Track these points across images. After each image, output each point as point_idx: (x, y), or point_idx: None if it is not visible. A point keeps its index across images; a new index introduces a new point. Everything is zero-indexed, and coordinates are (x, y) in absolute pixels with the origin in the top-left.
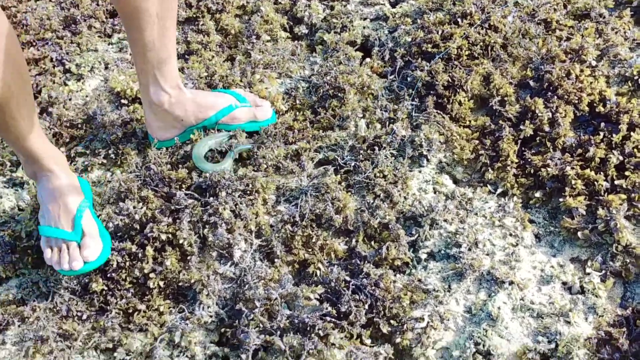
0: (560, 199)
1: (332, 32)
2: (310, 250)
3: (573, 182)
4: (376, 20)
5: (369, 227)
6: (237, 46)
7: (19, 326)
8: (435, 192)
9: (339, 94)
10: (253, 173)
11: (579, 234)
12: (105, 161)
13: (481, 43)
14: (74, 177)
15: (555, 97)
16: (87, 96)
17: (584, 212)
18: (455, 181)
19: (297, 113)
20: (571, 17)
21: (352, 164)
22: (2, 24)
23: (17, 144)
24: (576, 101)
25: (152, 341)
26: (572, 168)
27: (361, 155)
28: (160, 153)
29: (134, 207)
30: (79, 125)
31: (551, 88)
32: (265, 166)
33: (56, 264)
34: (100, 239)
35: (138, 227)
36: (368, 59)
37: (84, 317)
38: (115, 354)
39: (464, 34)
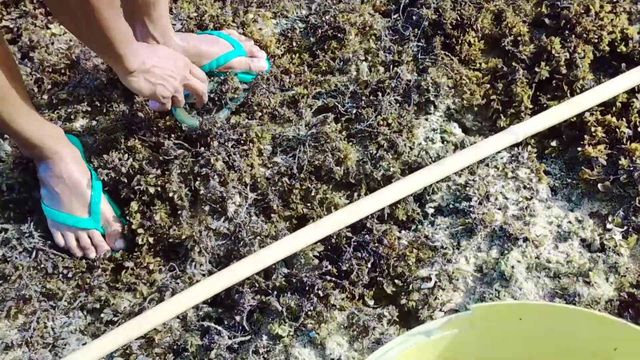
0: (579, 148)
1: None
2: (309, 204)
3: (592, 129)
4: None
5: (372, 179)
6: None
7: (0, 285)
8: (443, 142)
9: (339, 35)
10: (247, 121)
11: (599, 186)
12: (89, 109)
13: None
14: (78, 153)
15: (573, 35)
16: (70, 40)
17: (605, 163)
18: (465, 129)
19: (294, 56)
20: None
21: (354, 112)
22: None
23: (10, 129)
24: (596, 40)
25: (140, 301)
26: (592, 114)
27: (363, 102)
28: (148, 100)
29: (120, 160)
30: (62, 71)
31: (568, 26)
32: (260, 114)
33: (78, 253)
34: (120, 220)
35: (125, 181)
36: None
37: (69, 275)
38: (102, 315)
39: None
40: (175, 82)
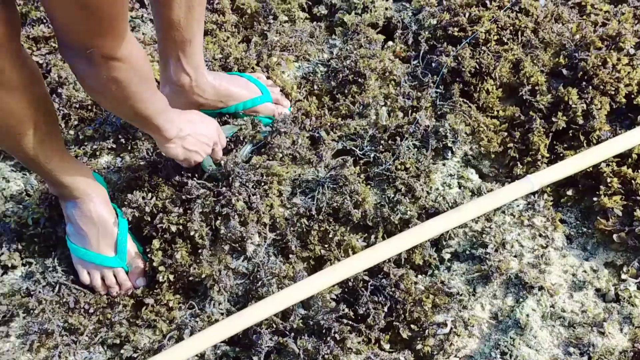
0: (594, 198)
1: (352, 13)
2: (326, 246)
3: (608, 180)
4: (399, 1)
5: (389, 223)
6: (253, 27)
7: (23, 318)
8: (460, 187)
9: (359, 80)
10: (268, 162)
11: (614, 236)
12: (114, 146)
13: (511, 27)
14: (105, 193)
15: (590, 87)
16: None
17: (620, 213)
18: (482, 176)
19: (316, 99)
20: (606, 1)
21: (372, 155)
22: (34, 70)
23: (44, 170)
24: (613, 92)
25: (160, 338)
26: (608, 165)
27: (382, 146)
28: None
29: (143, 198)
30: (89, 107)
31: (586, 77)
32: (281, 155)
33: (102, 290)
34: (142, 258)
35: (149, 219)
36: (390, 43)
37: (91, 310)
38: (122, 351)
39: (493, 17)
40: (207, 148)
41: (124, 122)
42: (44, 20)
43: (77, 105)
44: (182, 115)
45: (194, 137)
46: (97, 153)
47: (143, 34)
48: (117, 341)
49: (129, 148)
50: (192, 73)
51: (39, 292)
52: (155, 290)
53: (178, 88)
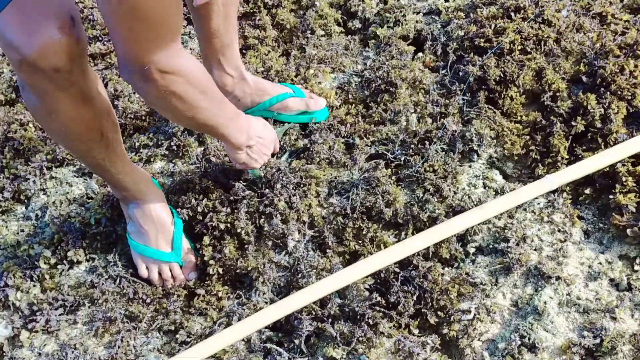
0: (610, 196)
1: (385, 26)
2: (360, 241)
3: (624, 179)
4: (429, 14)
5: (418, 220)
6: (292, 41)
7: (89, 307)
8: (485, 187)
9: (391, 89)
10: (306, 166)
11: (628, 231)
12: (167, 152)
13: (534, 37)
14: (162, 195)
15: (608, 92)
16: None
17: (634, 210)
18: (506, 176)
19: (350, 107)
20: (627, 10)
21: (403, 158)
22: (98, 83)
23: (109, 174)
24: (629, 97)
25: (211, 324)
26: (623, 165)
27: (412, 150)
28: (220, 145)
29: (195, 199)
30: (143, 117)
31: (604, 84)
32: (318, 159)
33: (158, 282)
34: (195, 253)
35: (200, 218)
36: (420, 54)
37: (148, 300)
38: (177, 336)
39: (517, 28)
40: (267, 158)
41: (176, 130)
42: (100, 38)
43: (132, 116)
44: (250, 124)
45: (259, 146)
46: (152, 159)
47: (191, 49)
48: (172, 327)
49: (180, 155)
50: (233, 73)
51: (102, 284)
52: (206, 282)
53: (222, 88)
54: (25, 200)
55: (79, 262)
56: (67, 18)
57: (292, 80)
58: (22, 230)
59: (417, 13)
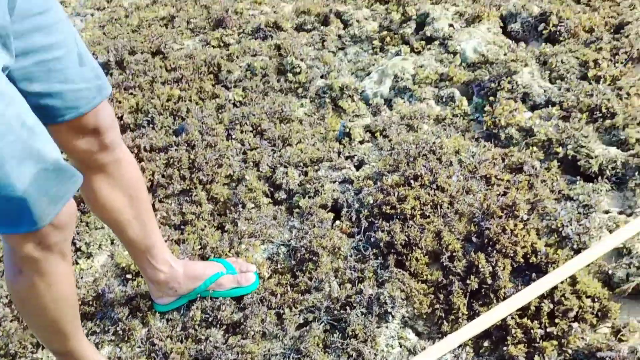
0: (504, 347)
1: (306, 196)
2: None
3: (513, 331)
4: (343, 183)
5: None
6: (226, 214)
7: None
8: (400, 346)
9: (314, 258)
10: (242, 341)
11: None
12: (114, 337)
13: (431, 202)
14: None
15: (495, 251)
16: (96, 272)
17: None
18: (418, 334)
19: (280, 277)
20: (507, 170)
21: (329, 326)
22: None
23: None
24: (512, 254)
25: None
26: (512, 317)
27: (335, 316)
28: (162, 327)
29: None
30: (90, 302)
31: (491, 243)
32: (252, 333)
33: None
34: None
35: None
36: (338, 221)
37: None
38: None
39: (416, 195)
40: None
41: (121, 315)
42: None
43: (80, 302)
44: None
45: None
46: (99, 345)
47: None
48: None
49: (126, 339)
50: (163, 268)
51: None
52: None
53: (157, 284)
54: None
55: None
56: None
57: (226, 255)
58: None
59: (333, 182)
